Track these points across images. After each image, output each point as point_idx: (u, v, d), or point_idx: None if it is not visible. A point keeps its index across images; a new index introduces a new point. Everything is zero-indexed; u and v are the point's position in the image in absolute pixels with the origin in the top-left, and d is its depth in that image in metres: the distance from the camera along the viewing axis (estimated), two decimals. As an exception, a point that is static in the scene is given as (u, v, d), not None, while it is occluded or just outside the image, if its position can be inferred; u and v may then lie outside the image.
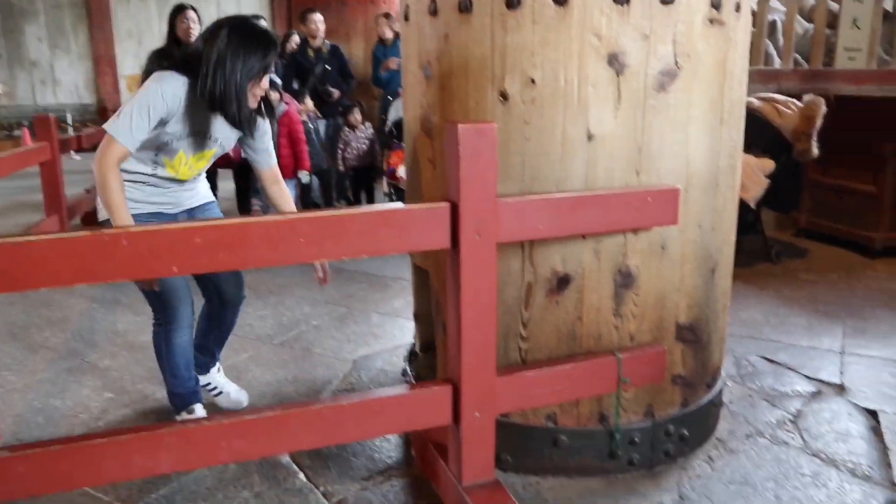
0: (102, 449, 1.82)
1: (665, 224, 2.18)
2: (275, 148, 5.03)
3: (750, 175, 4.42)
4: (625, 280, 2.25)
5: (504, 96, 2.16)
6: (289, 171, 5.17)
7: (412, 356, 2.99)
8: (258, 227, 1.76)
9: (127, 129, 2.23)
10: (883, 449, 2.62)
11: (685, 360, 2.43)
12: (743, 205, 4.53)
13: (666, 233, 2.25)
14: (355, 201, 6.43)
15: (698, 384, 2.50)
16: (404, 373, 3.01)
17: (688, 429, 2.46)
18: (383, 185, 6.29)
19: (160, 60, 2.83)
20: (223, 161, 4.83)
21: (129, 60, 12.22)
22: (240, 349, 3.50)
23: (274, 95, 5.12)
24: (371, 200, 6.54)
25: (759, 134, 4.59)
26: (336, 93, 6.41)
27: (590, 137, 2.14)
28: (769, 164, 4.52)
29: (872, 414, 2.87)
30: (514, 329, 2.31)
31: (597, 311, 2.27)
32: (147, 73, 2.57)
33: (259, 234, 1.76)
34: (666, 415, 2.42)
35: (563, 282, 2.24)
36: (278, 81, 5.49)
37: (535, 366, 2.18)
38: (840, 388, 3.09)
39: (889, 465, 2.51)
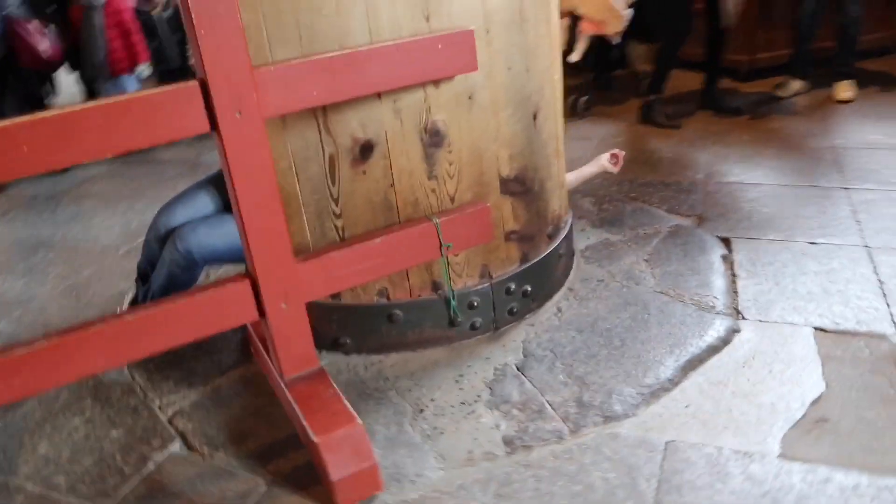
0: None
1: (463, 72, 1.98)
2: (104, 42, 4.61)
3: (609, 8, 4.20)
4: (433, 139, 2.07)
5: (263, -54, 1.88)
6: (122, 67, 4.72)
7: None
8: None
9: None
10: (731, 276, 2.58)
11: (517, 214, 2.30)
12: (606, 41, 4.35)
13: (471, 80, 2.06)
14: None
15: (538, 236, 2.39)
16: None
17: (531, 284, 2.37)
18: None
19: None
20: (42, 64, 4.41)
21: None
22: (82, 265, 3.26)
23: None
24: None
25: (618, -37, 4.34)
26: None
27: (366, -17, 1.90)
28: (631, -5, 4.30)
29: (726, 242, 2.83)
30: (325, 207, 2.13)
31: (409, 175, 2.10)
32: None
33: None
34: (505, 273, 2.32)
35: (366, 149, 2.06)
36: None
37: (340, 245, 2.02)
38: (699, 219, 3.04)
39: (735, 293, 2.48)
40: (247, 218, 1.78)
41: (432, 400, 2.10)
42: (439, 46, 1.91)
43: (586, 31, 4.27)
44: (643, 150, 3.91)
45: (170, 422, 2.17)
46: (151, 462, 2.02)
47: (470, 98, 2.08)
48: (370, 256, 2.01)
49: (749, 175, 3.42)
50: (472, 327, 2.30)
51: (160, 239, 2.38)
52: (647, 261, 2.70)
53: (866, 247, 2.71)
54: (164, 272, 2.36)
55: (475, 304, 2.27)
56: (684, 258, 2.70)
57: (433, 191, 2.13)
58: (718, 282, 2.54)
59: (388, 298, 2.25)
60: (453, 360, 2.26)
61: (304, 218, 2.16)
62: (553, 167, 2.40)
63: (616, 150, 2.97)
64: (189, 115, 1.67)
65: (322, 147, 2.05)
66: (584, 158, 3.02)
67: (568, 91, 4.67)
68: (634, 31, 4.51)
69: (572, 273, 2.63)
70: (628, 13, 4.23)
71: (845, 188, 3.20)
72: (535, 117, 2.25)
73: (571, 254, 2.66)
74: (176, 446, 2.08)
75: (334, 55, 1.80)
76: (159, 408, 2.24)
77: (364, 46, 1.87)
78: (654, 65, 4.49)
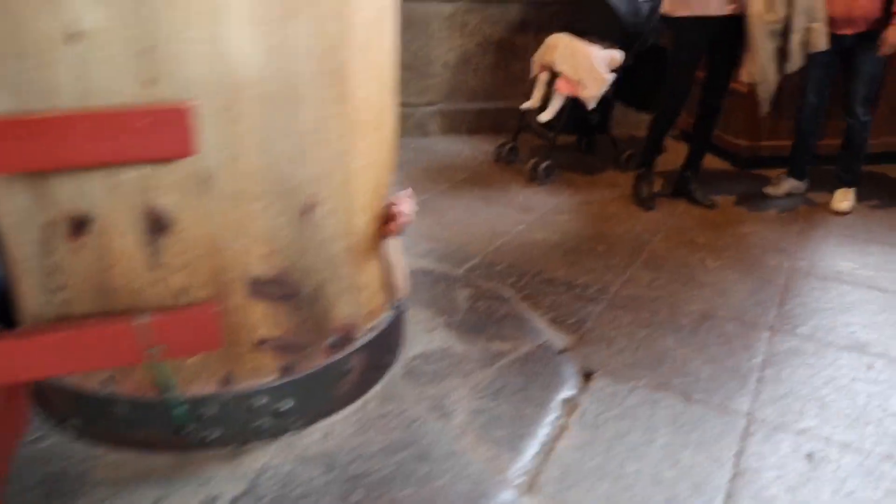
0: None
1: (176, 155, 1.65)
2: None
3: (590, 69, 3.75)
4: (157, 224, 1.75)
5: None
6: None
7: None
8: None
9: None
10: (559, 430, 2.14)
11: (277, 321, 1.95)
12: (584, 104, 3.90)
13: (206, 163, 1.72)
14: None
15: (310, 346, 2.03)
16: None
17: (295, 400, 2.02)
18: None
19: None
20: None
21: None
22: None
23: None
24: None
25: (606, 22, 3.87)
26: None
27: (72, 36, 1.59)
28: (617, 58, 3.83)
29: (588, 377, 2.38)
30: (42, 280, 1.85)
31: (128, 260, 1.78)
32: None
33: None
34: (254, 385, 1.97)
35: (79, 224, 1.75)
36: None
37: (11, 335, 1.74)
38: (578, 340, 2.58)
39: (548, 455, 2.04)
40: None
41: (110, 525, 1.78)
42: (142, 122, 1.58)
43: (562, 90, 3.86)
44: (576, 236, 3.43)
45: None
46: None
47: (204, 183, 1.74)
48: (47, 352, 1.71)
49: (673, 290, 2.92)
50: (205, 440, 1.97)
51: None
52: (474, 389, 2.28)
53: (749, 416, 2.22)
54: None
55: (206, 415, 1.93)
56: (517, 394, 2.26)
57: (158, 281, 1.81)
58: (535, 437, 2.09)
59: (113, 389, 1.94)
60: (170, 475, 1.92)
61: (29, 283, 1.89)
62: (342, 269, 2.03)
63: (396, 203, 2.13)
64: None
65: (37, 214, 1.76)
66: (513, 233, 2.61)
67: (529, 154, 4.23)
68: (623, 95, 4.06)
69: (376, 388, 2.24)
70: (609, 77, 3.78)
71: (772, 328, 2.68)
72: (307, 212, 1.89)
73: (379, 366, 2.27)
74: None
75: (-12, 120, 1.50)
76: None
77: (20, 116, 1.57)
78: (647, 135, 3.98)
